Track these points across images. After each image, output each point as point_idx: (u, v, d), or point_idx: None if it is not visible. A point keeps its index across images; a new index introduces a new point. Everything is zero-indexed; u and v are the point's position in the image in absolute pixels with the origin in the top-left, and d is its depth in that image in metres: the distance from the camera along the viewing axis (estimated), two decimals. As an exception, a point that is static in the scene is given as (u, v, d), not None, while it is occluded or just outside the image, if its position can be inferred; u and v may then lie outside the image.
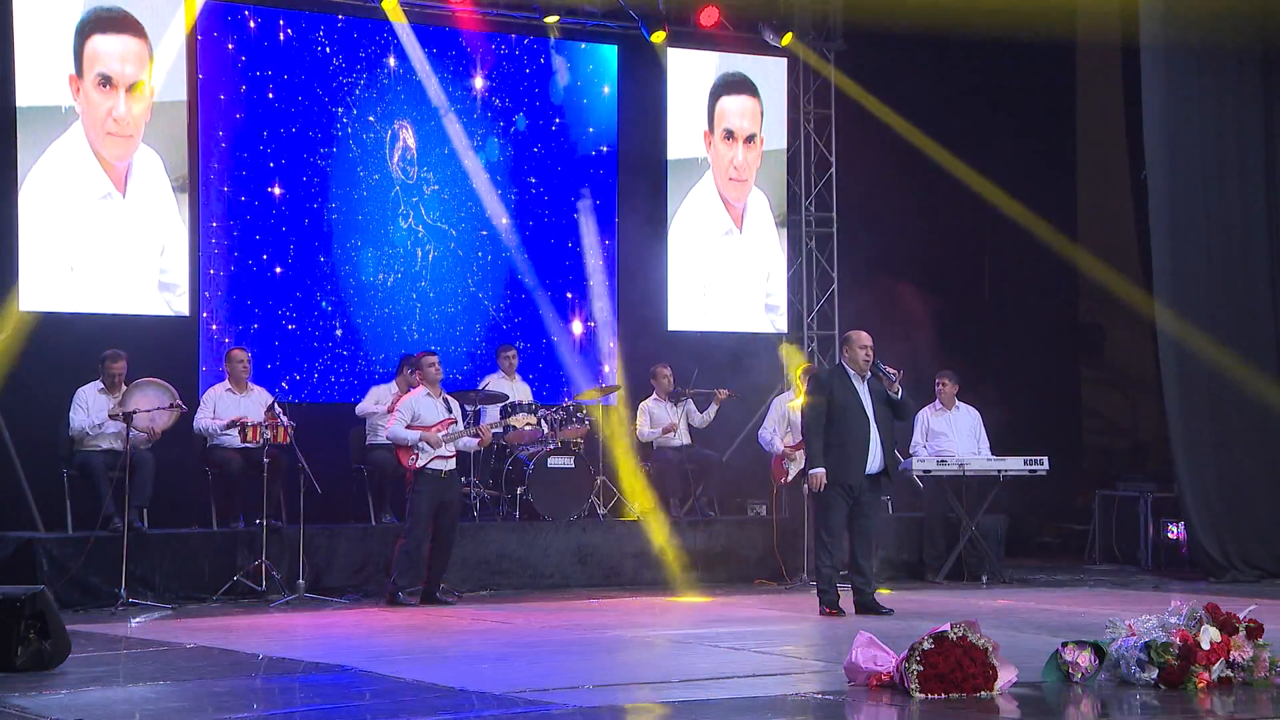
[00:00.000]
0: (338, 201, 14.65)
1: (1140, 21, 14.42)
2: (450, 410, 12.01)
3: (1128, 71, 15.74)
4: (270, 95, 14.35)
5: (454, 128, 15.07)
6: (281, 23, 14.46)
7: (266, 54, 14.35)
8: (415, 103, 14.95)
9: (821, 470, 11.11)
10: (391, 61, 14.85)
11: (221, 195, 14.13)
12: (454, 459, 12.01)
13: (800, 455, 13.25)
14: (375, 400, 13.50)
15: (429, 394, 11.97)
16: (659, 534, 13.70)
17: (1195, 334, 14.38)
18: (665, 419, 14.65)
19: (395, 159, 14.88)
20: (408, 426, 11.81)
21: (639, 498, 14.14)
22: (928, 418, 14.23)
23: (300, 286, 14.46)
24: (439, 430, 11.82)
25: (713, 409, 14.78)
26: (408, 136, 14.92)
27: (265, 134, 14.32)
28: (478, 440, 12.24)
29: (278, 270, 14.37)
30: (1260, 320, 14.58)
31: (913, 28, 15.52)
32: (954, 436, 14.17)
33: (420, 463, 11.78)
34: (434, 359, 12.08)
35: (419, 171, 14.96)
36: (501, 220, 15.33)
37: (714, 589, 13.37)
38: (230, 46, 14.17)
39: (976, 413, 14.37)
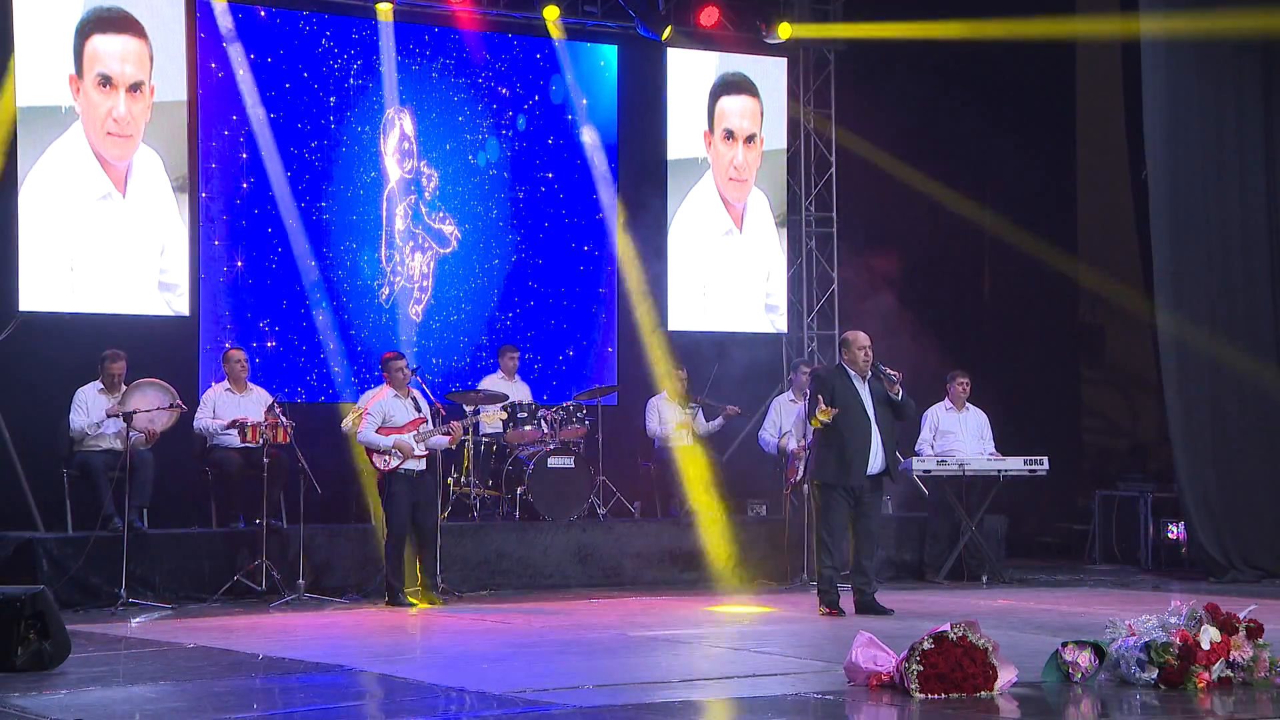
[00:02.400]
0: (338, 201, 14.64)
1: (1140, 20, 14.42)
2: (419, 409, 12.07)
3: (1128, 70, 15.74)
4: (269, 95, 14.33)
5: (453, 127, 15.09)
6: (281, 23, 14.46)
7: (266, 54, 14.34)
8: (415, 102, 14.95)
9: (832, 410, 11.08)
10: (391, 61, 14.84)
11: (221, 195, 14.13)
12: (425, 459, 12.07)
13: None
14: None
15: (397, 395, 12.02)
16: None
17: (1195, 334, 14.38)
18: (673, 419, 14.67)
19: (392, 148, 14.84)
20: (380, 429, 11.88)
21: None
22: (938, 416, 14.21)
23: (300, 286, 14.45)
24: (409, 430, 11.89)
25: (719, 422, 14.79)
26: (404, 122, 14.89)
27: (265, 134, 14.30)
28: (448, 439, 12.26)
29: (278, 270, 14.37)
30: (1260, 320, 14.58)
31: (913, 27, 15.54)
32: (962, 436, 14.16)
33: (394, 465, 11.84)
34: (402, 362, 12.15)
35: (417, 165, 14.95)
36: (501, 220, 15.34)
37: (714, 589, 13.37)
38: (230, 46, 14.15)
39: (984, 414, 14.37)
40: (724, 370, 15.44)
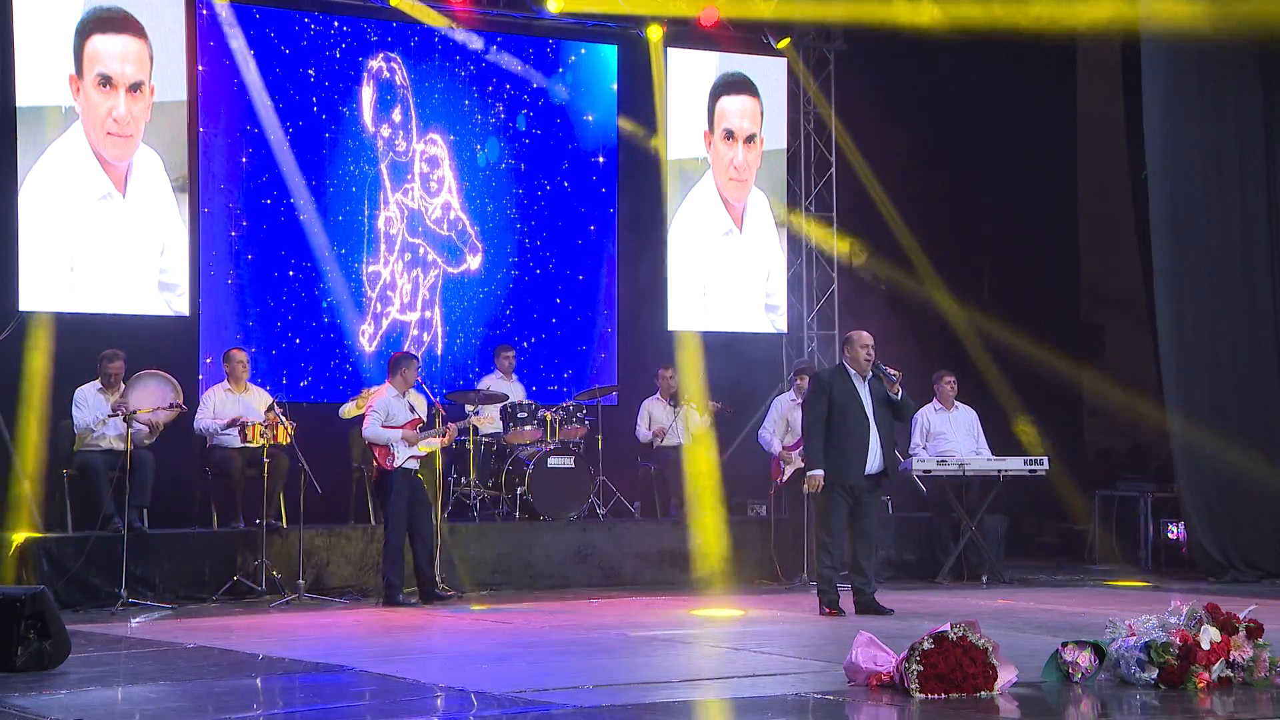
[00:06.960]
0: (336, 200, 14.64)
1: (1140, 20, 14.41)
2: (414, 410, 12.11)
3: (1128, 70, 15.74)
4: (269, 95, 14.33)
5: (453, 127, 15.09)
6: (281, 21, 14.45)
7: (266, 54, 14.34)
8: (414, 102, 14.94)
9: (820, 472, 11.11)
10: (395, 61, 14.84)
11: (221, 195, 14.13)
12: (421, 460, 12.13)
13: (797, 455, 13.27)
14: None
15: (398, 395, 12.05)
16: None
17: (1195, 334, 14.38)
18: (664, 419, 14.69)
19: (370, 117, 14.75)
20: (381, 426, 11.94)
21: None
22: (928, 417, 14.20)
23: (300, 286, 14.46)
24: (410, 429, 11.93)
25: (707, 418, 14.79)
26: (397, 77, 14.83)
27: (265, 134, 14.30)
28: (440, 440, 12.29)
29: (278, 269, 14.37)
30: (1260, 320, 14.58)
31: (913, 27, 15.53)
32: (953, 436, 14.16)
33: (396, 462, 11.86)
34: (414, 364, 12.22)
35: (412, 148, 14.90)
36: (511, 221, 15.33)
37: (714, 589, 13.37)
38: (231, 45, 14.15)
39: (973, 412, 14.37)
40: (724, 370, 15.42)
